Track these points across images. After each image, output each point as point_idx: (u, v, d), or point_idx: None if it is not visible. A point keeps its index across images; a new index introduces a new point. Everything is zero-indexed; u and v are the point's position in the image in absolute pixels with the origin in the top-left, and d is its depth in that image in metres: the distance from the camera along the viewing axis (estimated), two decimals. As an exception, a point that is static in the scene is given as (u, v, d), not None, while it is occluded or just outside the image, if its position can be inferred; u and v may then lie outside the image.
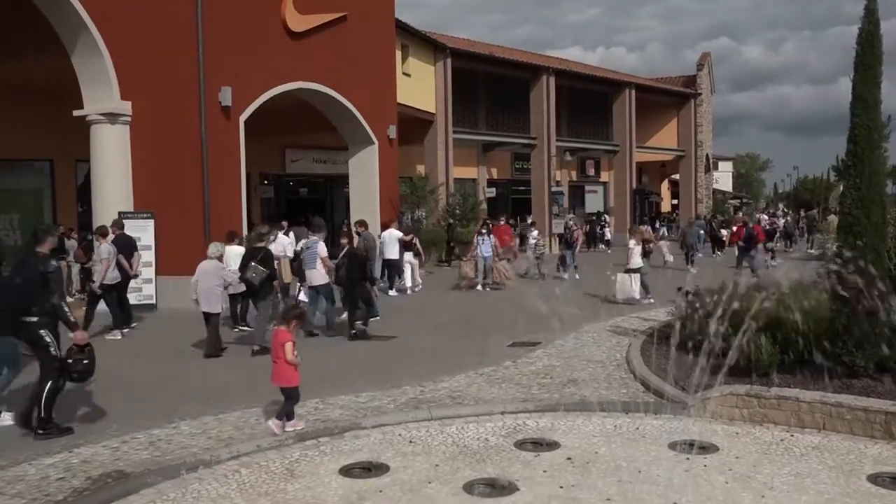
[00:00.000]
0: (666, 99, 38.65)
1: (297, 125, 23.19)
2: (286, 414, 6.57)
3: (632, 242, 16.16)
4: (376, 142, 20.27)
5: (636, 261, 15.48)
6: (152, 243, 14.95)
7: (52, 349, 6.80)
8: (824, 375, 6.96)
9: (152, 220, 15.04)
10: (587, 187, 38.25)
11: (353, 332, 11.21)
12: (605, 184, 37.94)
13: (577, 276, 18.45)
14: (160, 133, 15.11)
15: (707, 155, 41.14)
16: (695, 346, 7.81)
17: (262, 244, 11.03)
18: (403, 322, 12.71)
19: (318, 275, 11.89)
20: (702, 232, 30.53)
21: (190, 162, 15.07)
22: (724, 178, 74.42)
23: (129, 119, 15.20)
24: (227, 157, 15.40)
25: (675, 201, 46.24)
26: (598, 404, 7.07)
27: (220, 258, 10.28)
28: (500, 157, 32.08)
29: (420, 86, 24.76)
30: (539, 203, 30.48)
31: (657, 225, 37.58)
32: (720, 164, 74.93)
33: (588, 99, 34.78)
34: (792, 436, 6.37)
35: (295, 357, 6.45)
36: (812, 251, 26.55)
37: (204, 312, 9.97)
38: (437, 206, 24.11)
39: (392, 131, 20.85)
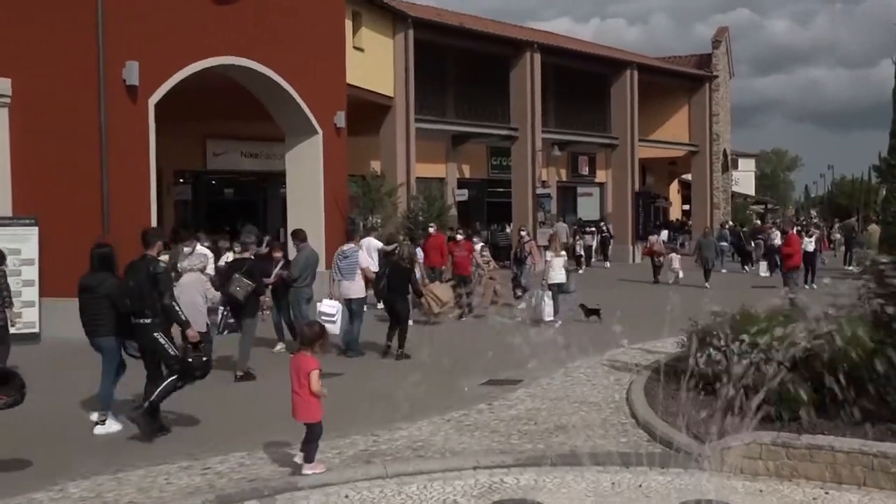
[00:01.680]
0: (675, 82, 39.26)
1: (221, 111, 23.04)
2: (305, 456, 6.92)
3: (549, 254, 16.69)
4: (320, 131, 20.23)
5: (554, 275, 16.17)
6: (35, 256, 14.72)
7: (169, 349, 8.40)
8: (865, 419, 7.05)
9: (36, 228, 14.83)
10: (580, 189, 38.61)
11: (400, 351, 12.61)
12: (601, 185, 38.33)
13: (530, 302, 17.56)
14: (48, 118, 14.91)
15: (725, 151, 41.82)
16: (711, 385, 7.88)
17: (247, 254, 11.92)
18: (353, 356, 12.75)
19: (356, 287, 13.05)
20: (723, 244, 31.07)
21: (85, 154, 14.88)
22: (745, 179, 75.86)
23: (7, 100, 14.98)
24: (133, 149, 15.26)
25: (686, 206, 46.94)
26: (591, 456, 7.10)
27: (203, 270, 10.66)
28: (474, 151, 32.23)
29: (375, 63, 24.79)
30: (521, 208, 30.69)
31: (670, 235, 38.14)
32: (740, 161, 76.34)
33: (580, 82, 35.17)
34: (827, 493, 6.44)
35: (321, 388, 6.79)
36: (850, 268, 27.12)
37: None
38: (395, 212, 24.10)
39: (340, 119, 20.82)
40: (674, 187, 48.40)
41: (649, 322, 15.40)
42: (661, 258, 26.47)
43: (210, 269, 13.63)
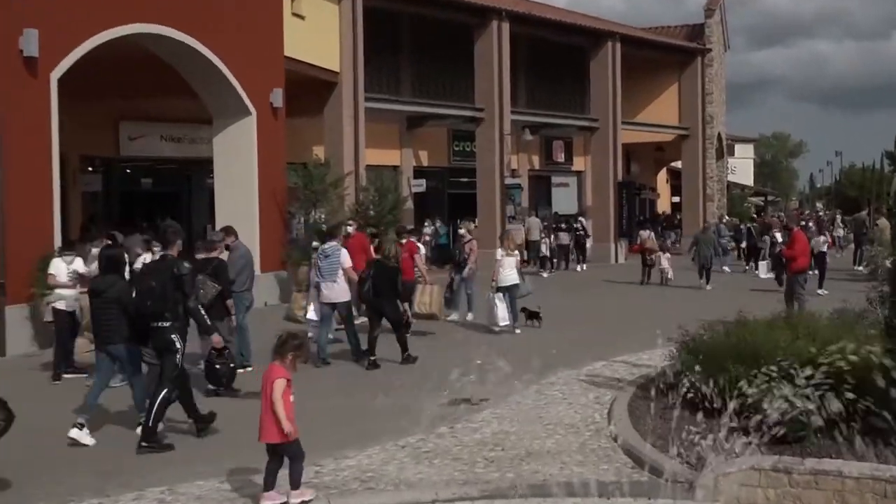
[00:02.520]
0: (663, 57, 39.60)
1: (138, 88, 22.77)
2: (291, 481, 6.96)
3: (499, 252, 16.93)
4: (254, 112, 20.10)
5: (506, 276, 16.51)
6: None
7: (178, 357, 9.03)
8: (877, 439, 7.15)
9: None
10: (555, 179, 38.77)
11: (407, 354, 13.27)
12: (579, 174, 38.52)
13: (469, 316, 17.84)
14: (-70, 96, 14.63)
15: (719, 135, 42.30)
16: (705, 403, 7.94)
17: (214, 253, 12.22)
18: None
19: (340, 289, 13.66)
20: (723, 240, 31.42)
21: (-25, 139, 14.63)
22: (742, 167, 76.76)
23: None
24: (32, 131, 15.03)
25: (675, 199, 47.38)
26: (567, 486, 7.10)
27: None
28: (433, 135, 32.22)
29: (318, 33, 24.66)
30: (487, 200, 30.75)
31: (662, 231, 38.46)
32: (737, 147, 77.24)
33: (556, 55, 35.35)
34: (834, 526, 6.52)
35: (282, 401, 6.82)
36: (860, 268, 27.56)
37: None
38: (341, 205, 23.97)
39: (277, 97, 20.69)
40: (662, 177, 48.80)
41: (636, 330, 15.58)
42: (654, 256, 26.74)
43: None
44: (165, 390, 8.89)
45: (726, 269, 29.91)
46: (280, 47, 21.04)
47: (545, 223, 31.81)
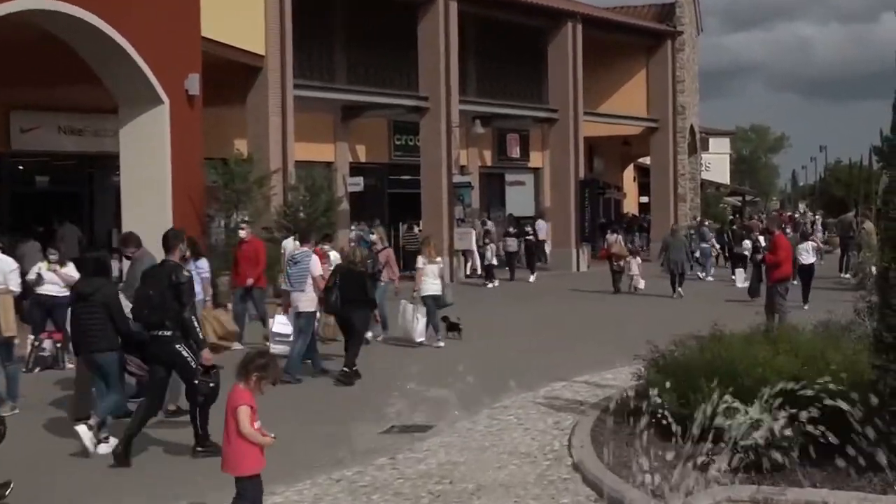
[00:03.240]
0: (629, 40, 39.99)
1: (32, 74, 22.38)
2: None
3: (420, 260, 17.16)
4: (166, 100, 19.89)
5: (427, 285, 16.90)
6: None
7: (192, 363, 9.63)
8: (863, 465, 7.25)
9: None
10: (509, 177, 38.92)
11: (346, 370, 13.54)
12: (536, 171, 38.71)
13: (379, 335, 17.43)
14: None
15: (692, 127, 42.79)
16: (676, 428, 8.00)
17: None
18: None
19: (306, 298, 14.19)
20: (705, 244, 31.79)
21: None
22: (718, 164, 77.72)
23: None
24: None
25: (644, 199, 47.82)
26: (524, 523, 7.13)
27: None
28: (372, 127, 32.18)
29: (241, 11, 24.51)
30: (433, 201, 30.77)
31: (634, 235, 38.80)
32: (712, 141, 78.19)
33: (510, 38, 35.50)
34: (818, 563, 6.61)
35: (255, 429, 6.80)
36: (847, 276, 28.06)
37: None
38: (267, 207, 23.86)
39: (193, 84, 20.48)
40: (628, 174, 49.26)
41: (599, 346, 15.69)
42: (622, 262, 27.01)
43: (15, 286, 13.28)
44: (195, 392, 9.64)
45: (708, 277, 30.22)
46: (197, 27, 20.85)
47: (485, 228, 31.64)
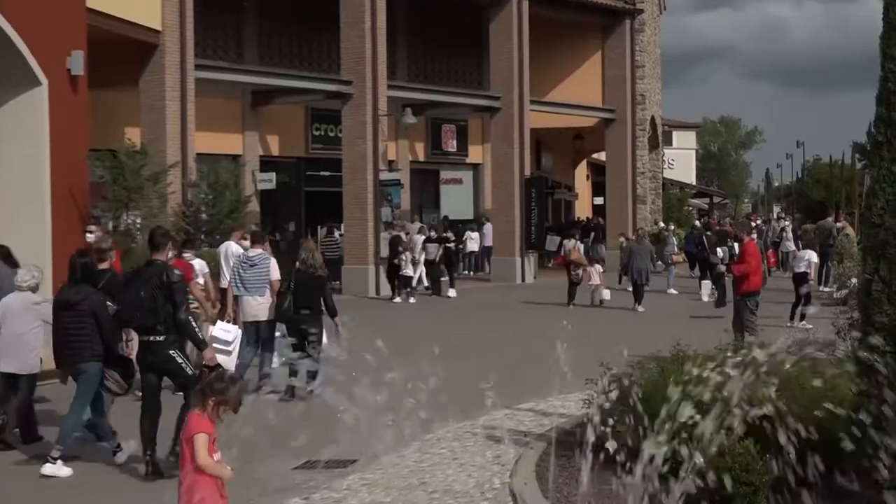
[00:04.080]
0: (582, 19, 40.23)
1: None
2: None
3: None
4: (45, 81, 19.65)
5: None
6: None
7: (187, 368, 10.39)
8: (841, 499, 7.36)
9: None
10: (444, 174, 38.99)
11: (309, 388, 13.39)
12: (475, 167, 38.83)
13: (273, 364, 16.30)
14: None
15: (653, 119, 43.29)
16: (629, 460, 8.06)
17: (105, 264, 12.64)
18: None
19: (264, 306, 14.76)
20: (667, 249, 32.17)
21: None
22: (682, 161, 78.77)
23: None
24: None
25: (598, 200, 48.18)
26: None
27: (35, 288, 11.68)
28: (286, 116, 32.09)
29: (133, -22, 24.35)
30: (356, 201, 30.70)
31: (592, 242, 39.01)
32: (675, 135, 79.24)
33: (446, 15, 35.61)
34: None
35: (213, 461, 6.88)
36: (827, 288, 28.46)
37: (5, 374, 11.55)
38: (163, 207, 23.68)
39: (77, 63, 20.23)
40: (581, 172, 49.62)
41: (547, 369, 15.72)
42: (581, 271, 27.21)
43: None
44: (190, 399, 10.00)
45: (671, 289, 30.51)
46: (81, -4, 20.65)
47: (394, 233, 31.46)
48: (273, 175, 31.00)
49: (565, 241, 29.71)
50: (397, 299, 28.33)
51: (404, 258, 28.56)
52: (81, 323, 10.57)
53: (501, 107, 35.38)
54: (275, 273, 14.97)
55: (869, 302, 7.86)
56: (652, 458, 6.47)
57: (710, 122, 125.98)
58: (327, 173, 32.60)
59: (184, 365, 10.39)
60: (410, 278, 29.09)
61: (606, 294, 26.98)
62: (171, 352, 10.36)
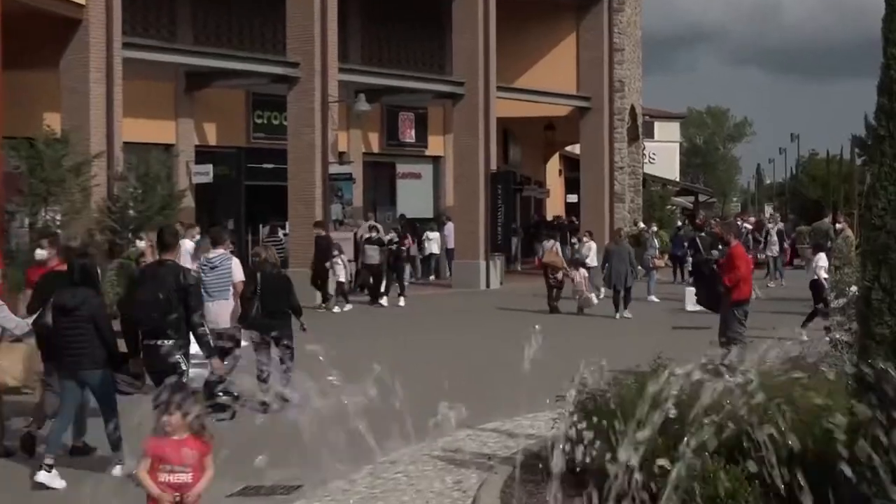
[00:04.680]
0: (555, -4, 40.44)
1: None
2: None
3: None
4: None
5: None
6: None
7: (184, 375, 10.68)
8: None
9: None
10: (401, 168, 38.95)
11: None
12: (436, 160, 38.80)
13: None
14: None
15: (633, 109, 43.37)
16: (601, 484, 8.09)
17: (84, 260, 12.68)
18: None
19: (226, 311, 14.84)
20: (648, 253, 32.28)
21: None
22: (665, 155, 78.82)
23: None
24: None
25: (572, 197, 48.25)
26: None
27: None
28: (225, 101, 32.03)
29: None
30: (303, 197, 30.61)
31: (574, 243, 38.99)
32: (658, 126, 79.35)
33: (404, -11, 35.59)
34: None
35: (143, 476, 7.24)
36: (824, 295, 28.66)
37: None
38: (87, 202, 23.56)
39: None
40: (552, 166, 49.70)
41: (514, 384, 15.69)
42: (561, 275, 27.29)
43: None
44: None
45: (652, 296, 30.61)
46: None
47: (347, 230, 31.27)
48: (210, 167, 30.89)
49: (544, 242, 29.72)
50: (336, 308, 27.98)
51: (338, 262, 28.13)
52: (79, 329, 10.87)
53: (465, 93, 35.36)
54: (238, 274, 15.12)
55: (868, 312, 7.86)
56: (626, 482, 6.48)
57: (695, 113, 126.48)
58: (270, 166, 32.51)
59: (186, 374, 10.81)
60: (344, 283, 28.84)
61: (594, 299, 27.00)
62: (177, 357, 10.80)
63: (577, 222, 42.81)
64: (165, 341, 10.78)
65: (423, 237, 36.43)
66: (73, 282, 11.18)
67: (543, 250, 28.86)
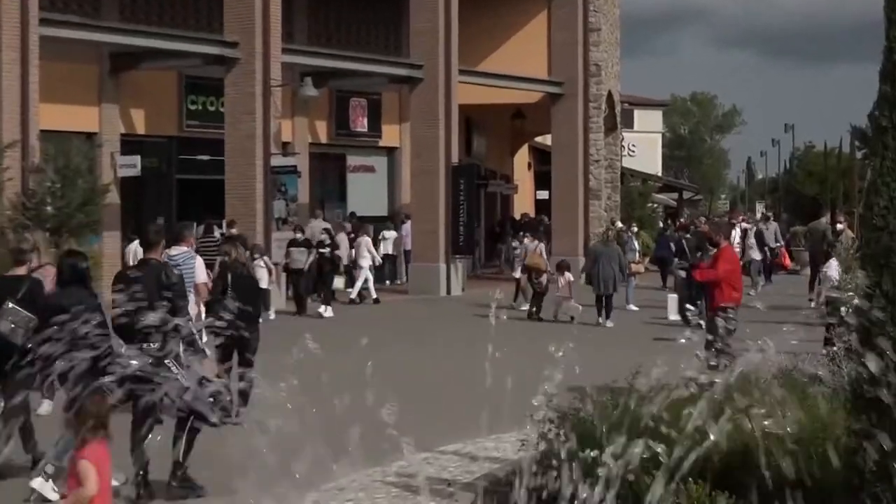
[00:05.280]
0: (524, -30, 40.51)
1: None
2: None
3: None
4: None
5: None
6: None
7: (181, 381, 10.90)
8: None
9: None
10: (352, 160, 38.92)
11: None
12: (391, 151, 38.80)
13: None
14: None
15: (610, 95, 43.47)
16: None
17: (21, 269, 12.95)
18: None
19: (195, 313, 15.01)
20: (637, 255, 32.38)
21: None
22: (645, 146, 79.16)
23: None
24: None
25: (542, 194, 48.30)
26: None
27: None
28: (155, 85, 31.96)
29: None
30: (242, 193, 30.54)
31: (505, 246, 39.08)
32: (638, 115, 79.65)
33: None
34: None
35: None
36: (818, 302, 28.78)
37: None
38: (0, 195, 23.48)
39: None
40: (521, 159, 49.78)
41: (480, 401, 15.70)
42: (545, 279, 27.38)
43: None
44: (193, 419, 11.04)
45: (631, 305, 30.72)
46: None
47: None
48: (137, 158, 30.78)
49: (526, 243, 29.75)
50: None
51: (260, 265, 27.53)
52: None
53: (423, 77, 35.31)
54: (200, 275, 15.49)
55: (869, 323, 7.89)
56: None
57: (679, 100, 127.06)
58: (205, 157, 32.48)
59: (180, 378, 10.99)
60: (269, 291, 28.26)
61: (578, 308, 27.02)
62: (165, 362, 10.99)
63: (547, 221, 42.83)
64: (152, 344, 11.01)
65: (379, 237, 36.32)
66: (64, 281, 11.56)
67: (526, 250, 28.90)
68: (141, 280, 11.25)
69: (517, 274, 30.26)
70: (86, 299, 11.32)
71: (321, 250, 29.83)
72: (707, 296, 18.66)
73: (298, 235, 29.97)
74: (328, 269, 30.14)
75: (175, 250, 15.50)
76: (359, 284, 31.70)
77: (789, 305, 27.90)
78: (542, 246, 29.36)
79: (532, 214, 47.65)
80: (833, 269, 22.71)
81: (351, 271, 32.02)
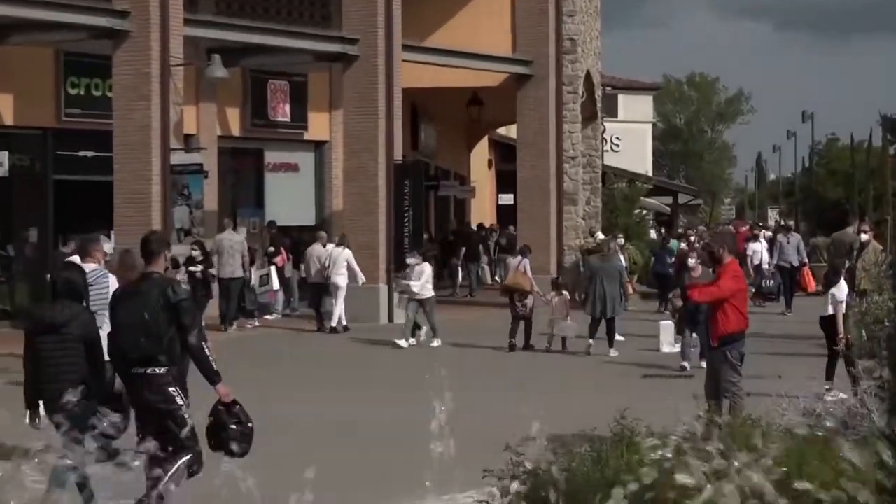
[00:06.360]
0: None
1: None
2: None
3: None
4: None
5: None
6: None
7: (186, 414, 11.66)
8: None
9: None
10: (271, 157, 39.00)
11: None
12: (320, 145, 38.91)
13: None
14: None
15: (588, 76, 43.70)
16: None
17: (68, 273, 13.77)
18: None
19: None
20: (632, 274, 32.54)
21: None
22: (632, 139, 79.48)
23: None
24: None
25: (506, 197, 48.40)
26: None
27: None
28: (26, 64, 32.03)
29: None
30: (134, 196, 30.49)
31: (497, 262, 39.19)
32: (623, 100, 79.95)
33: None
34: None
35: None
36: (843, 334, 29.06)
37: None
38: None
39: None
40: (479, 155, 49.98)
41: (433, 452, 15.71)
42: (531, 302, 27.57)
43: None
44: (189, 455, 11.54)
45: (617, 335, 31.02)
46: None
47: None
48: (4, 155, 30.78)
49: (509, 259, 29.88)
50: None
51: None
52: (68, 348, 11.91)
53: (359, 54, 35.47)
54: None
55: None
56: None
57: (673, 83, 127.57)
58: (89, 153, 32.51)
59: (184, 409, 11.67)
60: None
61: (570, 331, 27.63)
62: (171, 389, 11.69)
63: (514, 232, 42.89)
64: (157, 369, 11.60)
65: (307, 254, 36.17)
66: (58, 294, 12.31)
67: (509, 267, 28.98)
68: (144, 296, 11.80)
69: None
70: (81, 314, 12.11)
71: (191, 268, 28.00)
72: (706, 323, 18.59)
73: (195, 253, 28.68)
74: (201, 294, 27.73)
75: (87, 266, 15.54)
76: (339, 310, 31.84)
77: (802, 335, 28.02)
78: (527, 262, 29.45)
79: (492, 222, 47.78)
80: (843, 290, 22.74)
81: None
